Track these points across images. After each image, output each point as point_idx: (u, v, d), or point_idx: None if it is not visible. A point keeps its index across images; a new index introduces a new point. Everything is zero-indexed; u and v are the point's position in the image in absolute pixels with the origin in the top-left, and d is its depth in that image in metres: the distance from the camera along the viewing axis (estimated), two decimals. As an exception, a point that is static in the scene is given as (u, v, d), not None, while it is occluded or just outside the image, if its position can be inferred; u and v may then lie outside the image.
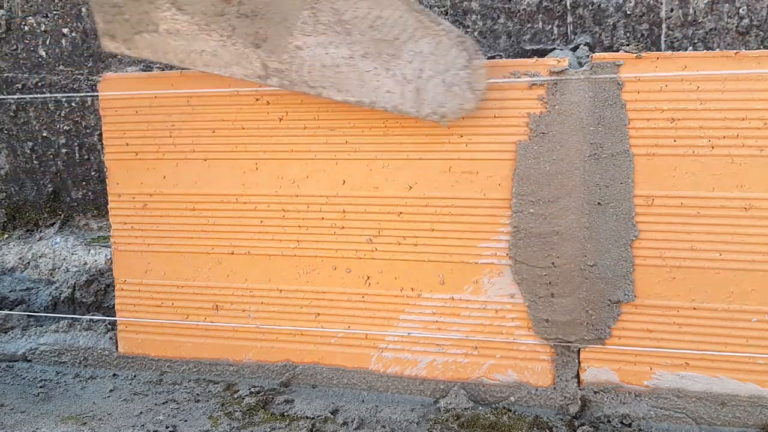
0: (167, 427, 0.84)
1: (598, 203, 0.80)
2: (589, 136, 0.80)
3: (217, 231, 0.94)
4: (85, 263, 1.19)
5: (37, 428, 0.86)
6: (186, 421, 0.86)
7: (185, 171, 0.94)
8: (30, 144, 1.20)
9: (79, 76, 1.17)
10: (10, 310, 1.12)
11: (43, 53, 1.18)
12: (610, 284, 0.81)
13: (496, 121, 0.82)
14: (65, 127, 1.18)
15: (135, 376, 0.99)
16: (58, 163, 1.20)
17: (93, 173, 1.19)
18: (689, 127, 0.77)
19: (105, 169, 0.98)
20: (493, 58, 0.96)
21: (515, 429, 0.81)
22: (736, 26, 0.88)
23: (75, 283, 1.14)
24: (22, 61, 1.19)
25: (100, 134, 1.06)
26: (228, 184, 0.92)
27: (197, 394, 0.93)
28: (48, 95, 1.17)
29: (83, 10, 1.11)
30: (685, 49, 0.90)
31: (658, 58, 0.77)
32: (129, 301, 0.99)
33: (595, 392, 0.83)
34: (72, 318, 1.08)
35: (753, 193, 0.76)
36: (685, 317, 0.80)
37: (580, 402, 0.83)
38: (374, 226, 0.88)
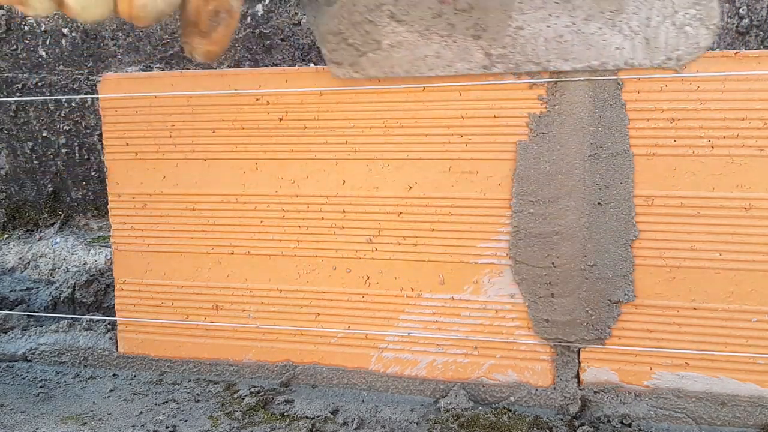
0: (167, 427, 0.84)
1: (598, 203, 0.80)
2: (589, 136, 0.80)
3: (217, 231, 0.94)
4: (85, 263, 1.19)
5: (37, 428, 0.86)
6: (186, 421, 0.86)
7: (185, 171, 0.94)
8: (30, 144, 1.20)
9: (79, 76, 1.17)
10: (10, 310, 1.12)
11: (43, 53, 1.18)
12: (610, 284, 0.81)
13: (496, 121, 0.82)
14: (65, 127, 1.18)
15: (135, 376, 0.99)
16: (58, 163, 1.20)
17: (93, 173, 1.19)
18: (689, 127, 0.77)
19: (105, 169, 0.98)
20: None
21: (515, 429, 0.81)
22: (736, 26, 0.88)
23: (75, 283, 1.14)
24: (22, 61, 1.19)
25: (100, 134, 1.06)
26: (228, 184, 0.93)
27: (197, 394, 0.93)
28: (47, 97, 1.17)
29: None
30: (685, 49, 0.89)
31: (658, 58, 0.77)
32: (129, 301, 0.99)
33: (595, 392, 0.83)
34: (72, 318, 1.08)
35: (753, 193, 0.76)
36: (685, 317, 0.80)
37: (580, 402, 0.83)
38: (374, 226, 0.88)
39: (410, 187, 0.86)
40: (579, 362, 0.84)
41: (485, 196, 0.84)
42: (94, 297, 1.13)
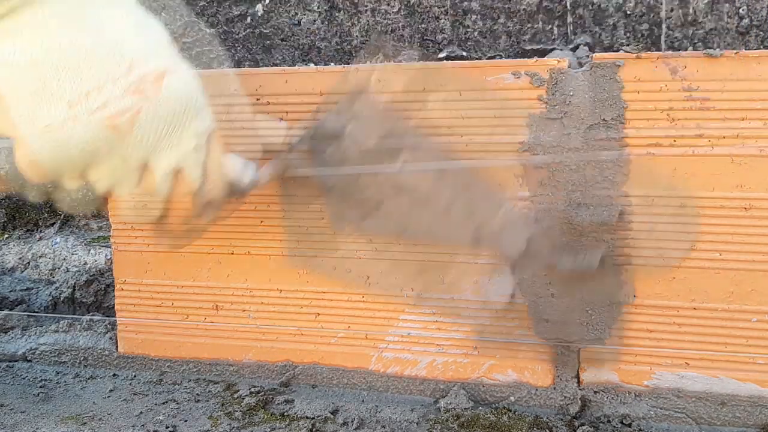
0: (167, 427, 0.84)
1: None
2: (588, 135, 0.79)
3: (217, 231, 0.94)
4: (85, 263, 1.19)
5: (37, 428, 0.86)
6: (186, 421, 0.86)
7: (185, 171, 0.94)
8: (30, 144, 1.20)
9: (79, 76, 1.17)
10: (10, 310, 1.12)
11: (43, 53, 1.17)
12: (610, 284, 0.81)
13: (496, 121, 0.82)
14: (65, 127, 1.18)
15: (135, 376, 0.99)
16: (58, 163, 1.20)
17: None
18: (689, 127, 0.77)
19: (105, 169, 0.98)
20: (493, 58, 0.96)
21: (515, 429, 0.81)
22: (736, 26, 0.88)
23: (75, 283, 1.14)
24: (22, 61, 1.19)
25: (100, 134, 1.06)
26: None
27: (197, 394, 0.93)
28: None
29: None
30: (685, 49, 0.89)
31: (658, 58, 0.77)
32: (129, 301, 0.99)
33: (595, 392, 0.83)
34: (72, 318, 1.08)
35: (753, 193, 0.76)
36: (685, 317, 0.80)
37: (580, 402, 0.83)
38: (374, 226, 0.88)
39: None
40: (579, 362, 0.84)
41: (485, 196, 0.84)
42: (94, 297, 1.13)
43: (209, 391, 0.94)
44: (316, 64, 1.02)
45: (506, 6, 0.95)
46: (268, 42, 1.06)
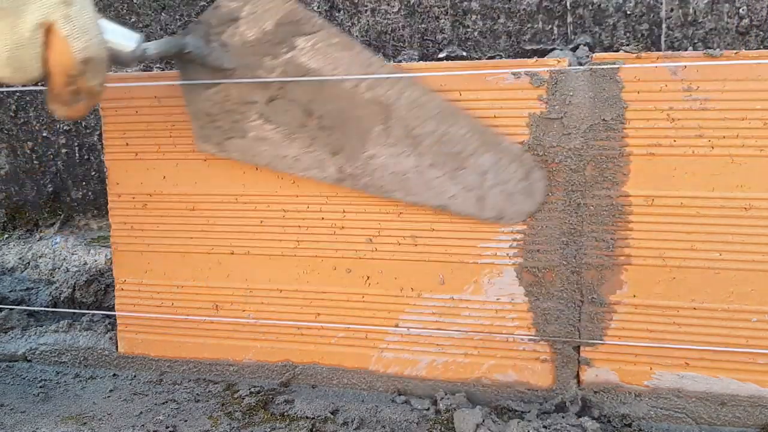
0: (167, 427, 0.84)
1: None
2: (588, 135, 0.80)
3: (217, 231, 0.94)
4: (85, 263, 1.19)
5: (37, 428, 0.86)
6: (186, 421, 0.86)
7: (185, 171, 0.94)
8: (30, 144, 1.20)
9: (79, 76, 1.17)
10: (10, 310, 1.12)
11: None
12: (611, 284, 0.81)
13: (496, 121, 0.82)
14: (65, 127, 1.18)
15: (135, 376, 0.99)
16: (58, 163, 1.20)
17: (93, 173, 1.19)
18: (689, 127, 0.77)
19: (105, 169, 0.98)
20: (493, 58, 0.96)
21: (515, 429, 0.80)
22: (736, 26, 0.88)
23: (75, 283, 1.14)
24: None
25: (100, 134, 1.06)
26: (228, 184, 0.92)
27: (197, 394, 0.93)
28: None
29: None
30: (685, 49, 0.90)
31: (658, 58, 0.77)
32: (129, 301, 0.99)
33: (595, 392, 0.83)
34: (72, 316, 1.08)
35: (753, 193, 0.76)
36: (685, 317, 0.80)
37: (580, 402, 0.83)
38: (374, 226, 0.88)
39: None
40: (579, 362, 0.84)
41: (485, 196, 0.84)
42: (94, 297, 1.13)
43: (209, 391, 0.94)
44: (316, 64, 1.02)
45: (506, 6, 0.95)
46: (268, 42, 1.06)
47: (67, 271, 1.19)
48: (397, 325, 0.89)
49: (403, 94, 0.82)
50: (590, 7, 0.92)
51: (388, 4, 0.99)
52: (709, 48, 0.89)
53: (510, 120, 0.82)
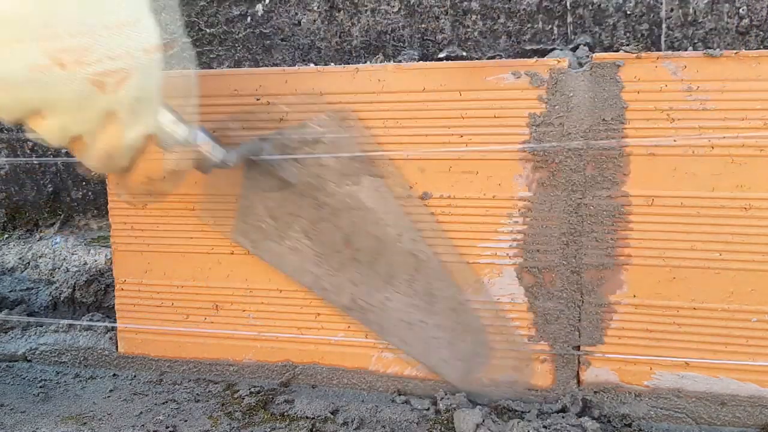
0: (167, 427, 0.84)
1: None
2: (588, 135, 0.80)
3: (217, 231, 0.94)
4: (85, 263, 1.19)
5: (37, 428, 0.86)
6: (186, 421, 0.86)
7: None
8: (30, 144, 1.20)
9: (79, 76, 1.17)
10: (11, 310, 1.12)
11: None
12: (611, 284, 0.81)
13: (496, 121, 0.82)
14: (65, 127, 1.18)
15: (135, 376, 0.99)
16: (58, 163, 1.20)
17: (93, 173, 1.19)
18: (689, 127, 0.77)
19: (105, 169, 0.98)
20: (493, 58, 0.96)
21: (515, 429, 0.80)
22: (736, 26, 0.88)
23: (75, 283, 1.14)
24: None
25: (100, 134, 1.06)
26: (228, 184, 0.92)
27: (197, 394, 0.93)
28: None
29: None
30: (685, 49, 0.90)
31: (658, 58, 0.77)
32: (129, 301, 0.99)
33: (595, 392, 0.83)
34: (72, 316, 1.08)
35: (753, 193, 0.76)
36: (685, 317, 0.80)
37: (580, 402, 0.83)
38: (374, 226, 0.88)
39: (410, 187, 0.86)
40: (579, 362, 0.84)
41: (485, 196, 0.84)
42: (94, 297, 1.13)
43: (209, 391, 0.94)
44: (316, 64, 1.02)
45: (506, 6, 0.95)
46: (268, 42, 1.06)
47: (67, 271, 1.19)
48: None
49: (438, 258, 0.85)
50: (590, 7, 0.92)
51: (388, 4, 0.99)
52: (709, 48, 0.89)
53: (510, 120, 0.82)
